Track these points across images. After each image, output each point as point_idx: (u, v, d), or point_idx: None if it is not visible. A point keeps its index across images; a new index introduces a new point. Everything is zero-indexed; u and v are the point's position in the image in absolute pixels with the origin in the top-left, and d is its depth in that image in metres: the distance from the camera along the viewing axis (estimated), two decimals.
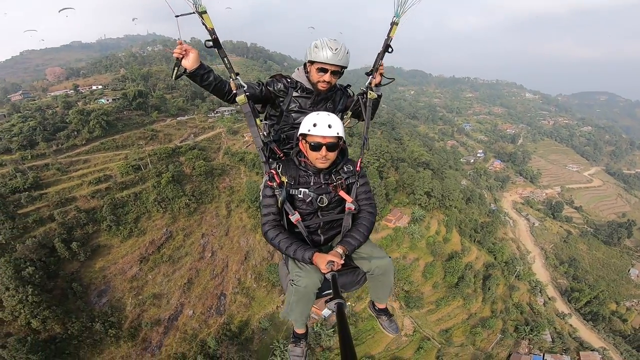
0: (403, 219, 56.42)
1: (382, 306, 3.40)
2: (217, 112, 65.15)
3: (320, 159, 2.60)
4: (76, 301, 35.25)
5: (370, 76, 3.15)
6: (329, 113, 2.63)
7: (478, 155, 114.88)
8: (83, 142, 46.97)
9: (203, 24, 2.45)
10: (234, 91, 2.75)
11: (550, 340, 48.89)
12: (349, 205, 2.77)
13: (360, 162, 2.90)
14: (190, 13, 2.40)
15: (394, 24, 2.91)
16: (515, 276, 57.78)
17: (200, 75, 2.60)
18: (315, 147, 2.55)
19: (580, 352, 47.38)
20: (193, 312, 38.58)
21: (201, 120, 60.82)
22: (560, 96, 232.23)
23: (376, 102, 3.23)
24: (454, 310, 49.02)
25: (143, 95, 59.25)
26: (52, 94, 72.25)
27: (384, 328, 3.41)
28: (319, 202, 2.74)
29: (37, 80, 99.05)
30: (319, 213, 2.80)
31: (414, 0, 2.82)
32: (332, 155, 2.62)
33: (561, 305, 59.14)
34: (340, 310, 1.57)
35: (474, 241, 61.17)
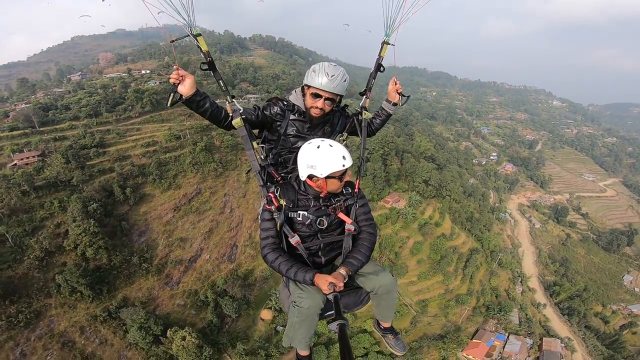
0: (400, 202, 62.60)
1: (387, 325, 3.38)
2: (244, 99, 74.66)
3: (337, 187, 2.68)
4: (122, 237, 45.32)
5: (364, 97, 3.25)
6: (331, 142, 2.59)
7: (491, 157, 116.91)
8: (136, 115, 58.66)
9: (198, 46, 2.49)
10: (230, 114, 2.77)
11: (518, 322, 53.29)
12: (349, 226, 2.78)
13: (359, 184, 2.91)
14: (185, 36, 2.48)
15: (384, 43, 3.07)
16: (498, 263, 62.55)
17: (196, 101, 2.58)
18: (332, 181, 2.60)
19: (544, 338, 51.54)
20: (209, 257, 47.89)
21: (230, 104, 70.67)
22: (591, 106, 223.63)
23: (384, 120, 3.32)
24: (433, 284, 54.82)
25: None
26: (108, 75, 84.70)
27: (390, 347, 3.40)
28: (318, 224, 2.74)
29: (93, 64, 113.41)
30: (318, 235, 2.79)
31: (402, 20, 2.90)
32: (343, 182, 2.69)
33: (540, 297, 63.19)
34: (342, 331, 1.64)
35: (465, 229, 66.27)
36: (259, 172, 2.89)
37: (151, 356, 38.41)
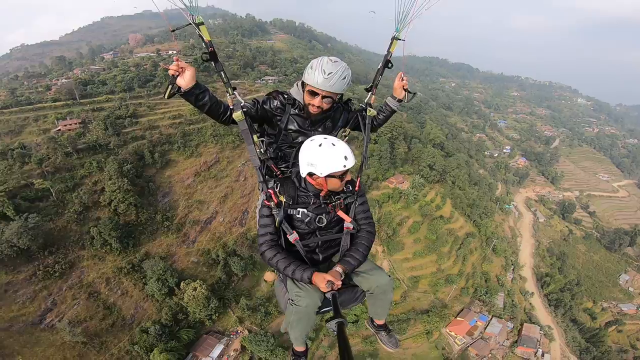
0: (404, 184, 65.60)
1: (381, 322, 3.43)
2: (262, 80, 79.67)
3: (339, 185, 2.66)
4: (149, 197, 51.42)
5: (370, 92, 3.20)
6: (334, 141, 2.54)
7: (504, 151, 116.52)
8: (165, 90, 64.27)
9: (200, 35, 2.42)
10: (231, 107, 2.72)
11: (502, 306, 55.86)
12: (348, 224, 2.79)
13: (359, 182, 2.89)
14: (187, 25, 2.42)
15: (394, 38, 3.01)
16: (492, 249, 65.12)
17: (195, 94, 2.51)
18: (333, 178, 2.57)
19: (524, 324, 54.14)
20: (223, 220, 53.45)
21: (250, 84, 76.16)
22: (619, 106, 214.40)
23: (388, 116, 3.31)
24: (427, 263, 57.96)
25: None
26: (138, 55, 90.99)
27: (383, 343, 3.45)
28: (317, 222, 2.75)
29: (123, 44, 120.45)
30: (317, 233, 2.81)
31: (413, 15, 2.85)
32: (344, 181, 2.68)
33: (530, 287, 64.97)
34: (341, 330, 1.63)
35: (465, 214, 68.58)
36: (258, 168, 2.86)
37: (164, 307, 42.58)
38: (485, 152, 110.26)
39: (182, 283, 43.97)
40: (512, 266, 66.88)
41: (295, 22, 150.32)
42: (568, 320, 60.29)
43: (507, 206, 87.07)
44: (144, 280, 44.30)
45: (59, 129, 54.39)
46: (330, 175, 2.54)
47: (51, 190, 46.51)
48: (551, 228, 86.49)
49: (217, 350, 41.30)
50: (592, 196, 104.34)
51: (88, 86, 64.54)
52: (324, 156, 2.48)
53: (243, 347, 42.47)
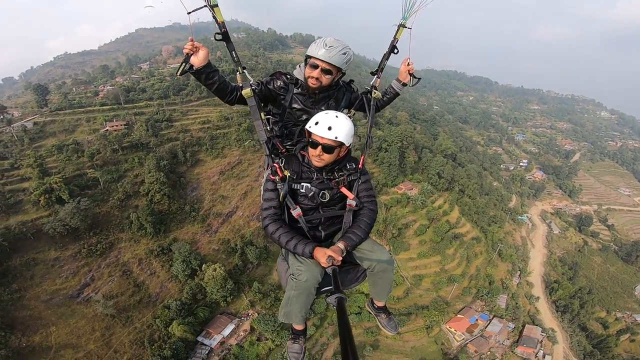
0: (413, 190, 68.36)
1: (381, 304, 3.48)
2: None
3: (315, 157, 2.70)
4: (180, 190, 57.99)
5: (375, 76, 3.38)
6: (338, 114, 2.64)
7: (521, 164, 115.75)
8: (195, 99, 73.26)
9: (214, 17, 2.55)
10: (240, 84, 2.87)
11: (504, 307, 56.58)
12: (350, 201, 2.83)
13: (363, 160, 2.97)
14: (202, 7, 2.51)
15: (401, 25, 3.18)
16: (498, 253, 66.28)
17: (206, 73, 2.66)
18: (312, 145, 2.65)
19: (526, 325, 54.03)
20: (242, 214, 58.94)
21: None
22: None
23: (391, 98, 3.47)
24: (431, 263, 59.88)
25: (234, 73, 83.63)
26: (172, 66, 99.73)
27: (382, 326, 3.51)
28: (320, 197, 2.80)
29: (157, 55, 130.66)
30: (320, 209, 2.87)
31: (420, 3, 2.99)
32: (327, 157, 2.68)
33: (537, 292, 64.84)
34: (340, 305, 1.62)
35: (472, 221, 70.15)
36: (265, 142, 2.94)
37: (186, 287, 46.47)
38: (501, 165, 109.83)
39: (203, 265, 48.77)
40: (519, 272, 67.27)
41: (314, 36, 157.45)
42: (575, 326, 59.87)
43: (520, 217, 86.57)
44: (170, 262, 49.21)
45: (107, 129, 62.73)
46: (312, 140, 2.65)
47: (100, 180, 54.02)
48: (566, 240, 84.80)
49: (228, 329, 45.05)
50: (611, 210, 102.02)
51: (130, 93, 73.34)
52: (318, 116, 2.65)
53: (252, 329, 46.17)
